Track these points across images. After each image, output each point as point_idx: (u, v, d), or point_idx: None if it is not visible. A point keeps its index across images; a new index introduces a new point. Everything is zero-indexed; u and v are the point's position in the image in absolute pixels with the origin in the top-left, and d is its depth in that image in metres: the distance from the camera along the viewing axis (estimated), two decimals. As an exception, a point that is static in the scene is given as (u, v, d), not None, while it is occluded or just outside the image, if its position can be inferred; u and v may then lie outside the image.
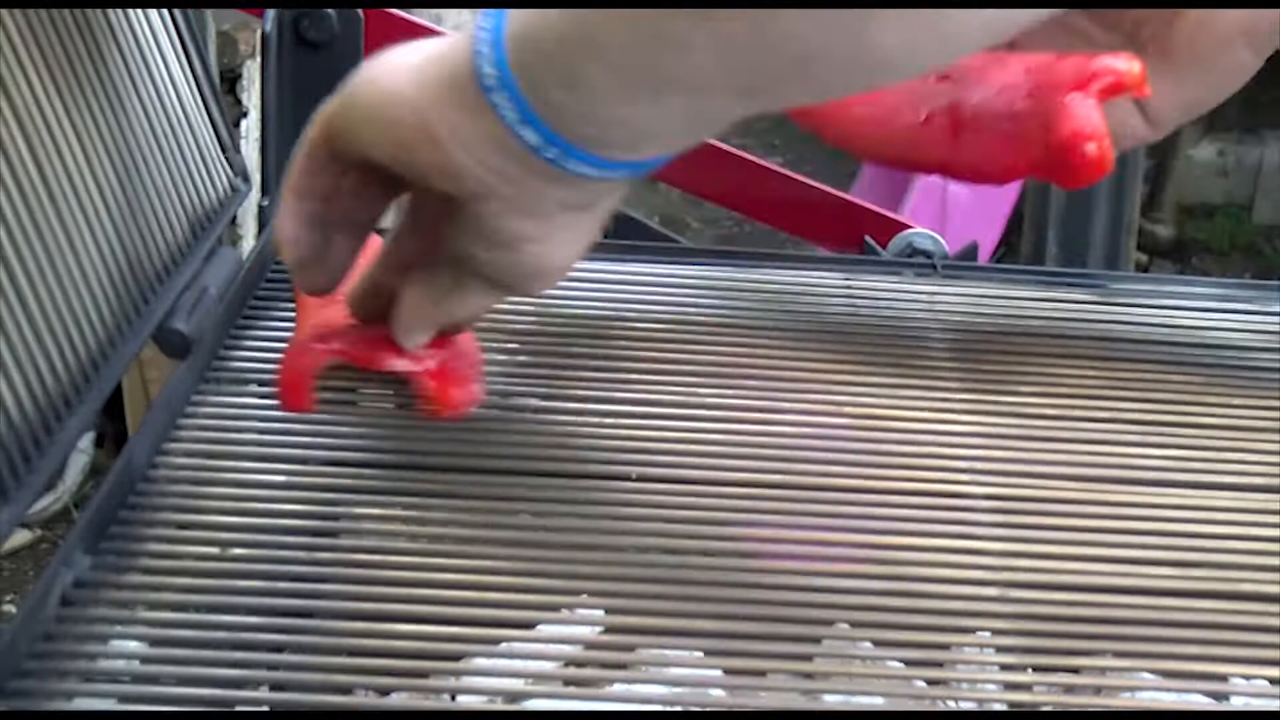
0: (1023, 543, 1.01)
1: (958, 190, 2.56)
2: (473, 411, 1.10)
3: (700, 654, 0.91)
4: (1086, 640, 0.93)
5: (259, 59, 1.39)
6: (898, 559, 0.99)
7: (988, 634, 0.93)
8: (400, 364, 1.10)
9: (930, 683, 0.89)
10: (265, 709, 0.85)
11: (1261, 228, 4.01)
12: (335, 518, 1.01)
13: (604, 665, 0.89)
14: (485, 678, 0.88)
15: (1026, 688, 0.89)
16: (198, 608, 0.92)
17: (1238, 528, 1.04)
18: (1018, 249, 2.86)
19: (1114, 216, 3.73)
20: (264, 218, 1.34)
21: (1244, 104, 4.50)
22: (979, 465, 1.09)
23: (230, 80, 2.81)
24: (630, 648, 0.91)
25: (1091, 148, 1.10)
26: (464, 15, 3.39)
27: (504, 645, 0.90)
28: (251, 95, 2.60)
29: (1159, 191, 4.05)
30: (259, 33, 1.35)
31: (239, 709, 0.85)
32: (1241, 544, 1.02)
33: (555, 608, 0.93)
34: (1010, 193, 2.74)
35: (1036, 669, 0.90)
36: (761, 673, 0.89)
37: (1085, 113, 1.09)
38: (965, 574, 0.98)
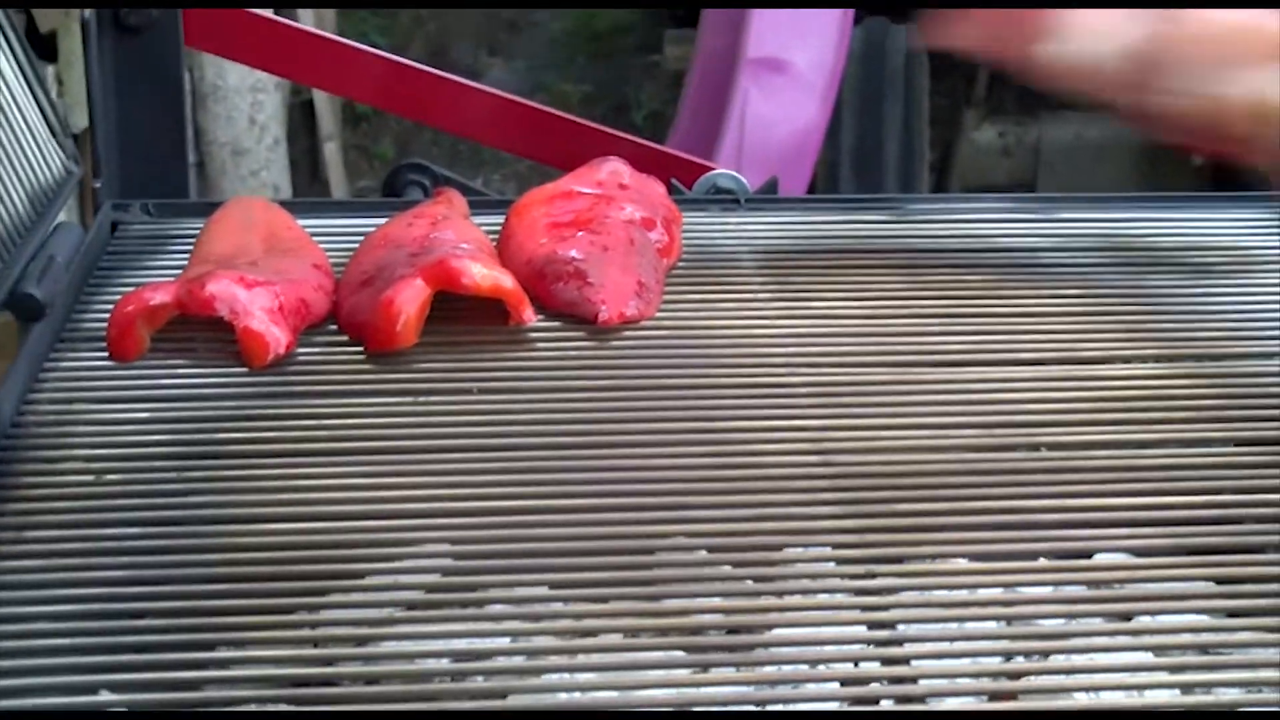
0: (839, 418, 1.09)
1: (754, 147, 2.63)
2: (288, 355, 1.16)
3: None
4: (901, 490, 1.01)
5: (81, 47, 1.44)
6: (730, 439, 1.07)
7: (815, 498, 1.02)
8: (224, 310, 1.15)
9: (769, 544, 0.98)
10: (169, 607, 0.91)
11: (1046, 204, 4.16)
12: (199, 444, 1.07)
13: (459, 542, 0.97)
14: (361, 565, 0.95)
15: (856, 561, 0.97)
16: (80, 525, 0.98)
17: (1035, 394, 1.13)
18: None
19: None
20: (96, 200, 1.39)
21: (1021, 91, 4.65)
22: (795, 360, 1.17)
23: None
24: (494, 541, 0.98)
25: None
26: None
27: (373, 537, 0.97)
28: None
29: (945, 176, 4.18)
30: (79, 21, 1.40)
31: (134, 606, 0.91)
32: (1039, 406, 1.11)
33: (423, 500, 1.01)
34: (807, 160, 2.81)
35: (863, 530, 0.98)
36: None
37: None
38: (790, 446, 1.06)
